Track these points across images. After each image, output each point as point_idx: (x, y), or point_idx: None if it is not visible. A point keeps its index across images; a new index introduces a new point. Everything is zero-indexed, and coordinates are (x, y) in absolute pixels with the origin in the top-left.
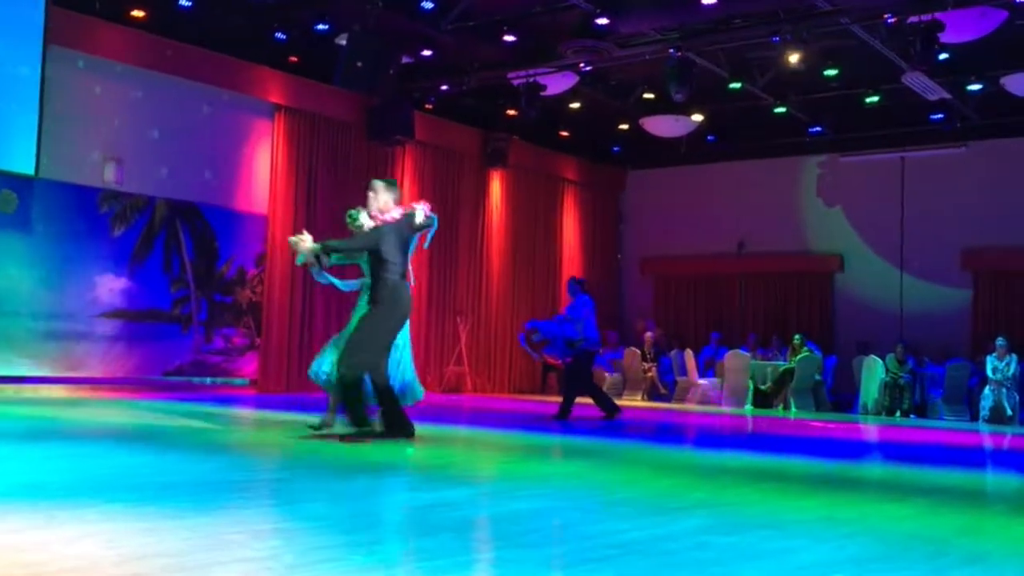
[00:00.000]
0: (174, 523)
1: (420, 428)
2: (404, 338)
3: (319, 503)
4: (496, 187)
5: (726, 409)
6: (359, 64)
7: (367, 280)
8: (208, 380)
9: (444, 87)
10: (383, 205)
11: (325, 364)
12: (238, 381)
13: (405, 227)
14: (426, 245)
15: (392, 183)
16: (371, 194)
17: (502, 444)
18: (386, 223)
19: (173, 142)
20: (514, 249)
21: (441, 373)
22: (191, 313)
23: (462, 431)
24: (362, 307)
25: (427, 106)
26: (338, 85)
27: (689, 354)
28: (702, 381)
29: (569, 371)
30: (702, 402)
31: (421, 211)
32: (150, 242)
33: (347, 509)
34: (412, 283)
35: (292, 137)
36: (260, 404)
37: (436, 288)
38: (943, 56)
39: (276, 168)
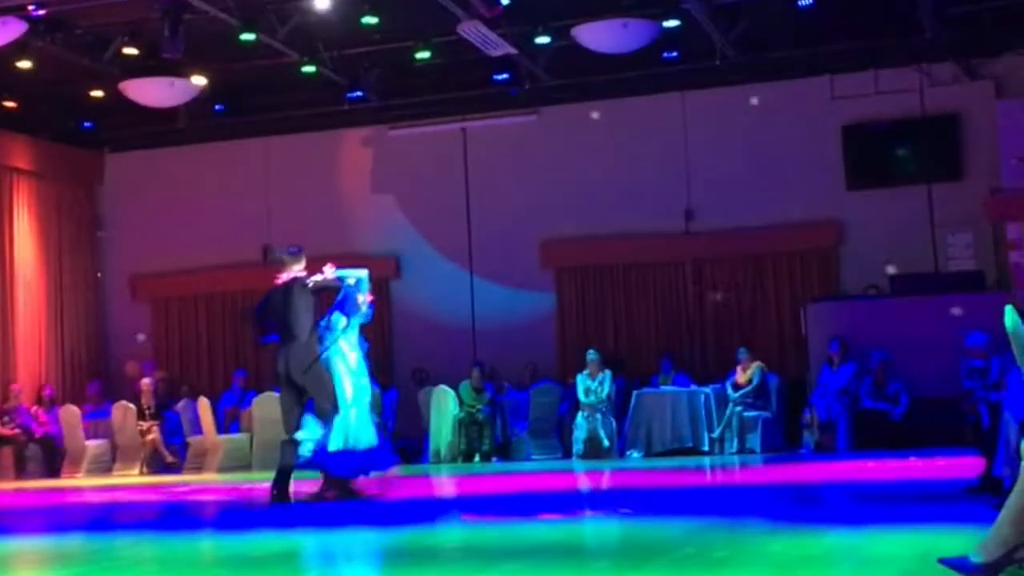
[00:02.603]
0: None
1: None
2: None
3: None
4: None
5: (257, 474)
6: None
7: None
8: None
9: None
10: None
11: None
12: None
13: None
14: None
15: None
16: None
17: None
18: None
19: None
20: None
21: None
22: None
23: None
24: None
25: None
26: None
27: (204, 404)
28: (224, 439)
29: None
30: (228, 467)
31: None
32: None
33: None
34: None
35: None
36: None
37: None
38: (506, 2)
39: None
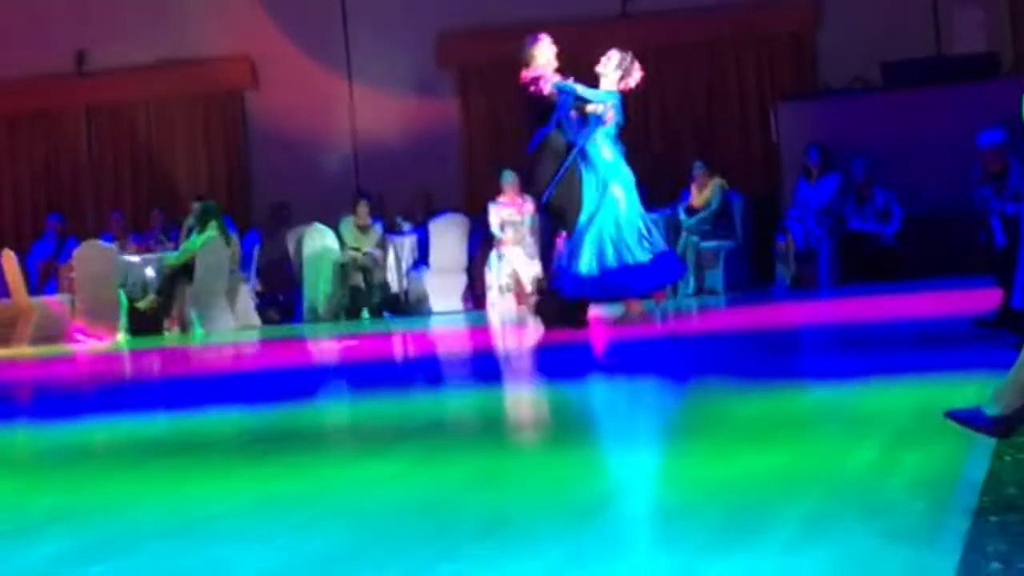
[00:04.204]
0: None
1: None
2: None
3: None
4: None
5: (88, 343)
6: None
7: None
8: None
9: None
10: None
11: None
12: None
13: None
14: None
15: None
16: None
17: None
18: None
19: None
20: None
21: None
22: None
23: None
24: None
25: None
26: None
27: (9, 258)
28: (39, 300)
29: None
30: (43, 338)
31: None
32: None
33: None
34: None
35: None
36: None
37: None
38: None
39: None
